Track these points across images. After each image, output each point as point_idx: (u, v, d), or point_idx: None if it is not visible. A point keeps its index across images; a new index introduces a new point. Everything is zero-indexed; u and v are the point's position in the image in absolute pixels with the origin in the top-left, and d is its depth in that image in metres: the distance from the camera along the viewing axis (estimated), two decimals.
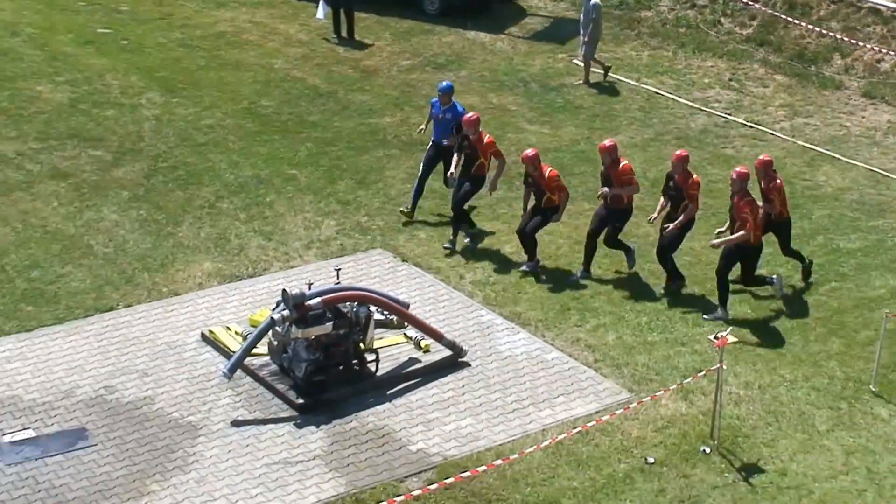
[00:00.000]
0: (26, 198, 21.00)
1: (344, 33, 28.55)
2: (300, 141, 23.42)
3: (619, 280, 19.24)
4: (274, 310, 16.46)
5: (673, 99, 26.18)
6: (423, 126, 21.57)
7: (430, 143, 20.99)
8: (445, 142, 20.59)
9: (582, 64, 26.94)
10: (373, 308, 16.88)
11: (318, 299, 16.28)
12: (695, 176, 18.92)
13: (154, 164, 22.37)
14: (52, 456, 15.09)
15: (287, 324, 16.19)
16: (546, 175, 19.18)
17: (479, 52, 28.30)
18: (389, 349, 17.33)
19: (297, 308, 16.10)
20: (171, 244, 19.80)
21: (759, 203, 18.58)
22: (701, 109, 25.72)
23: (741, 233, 17.98)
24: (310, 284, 17.10)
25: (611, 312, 18.42)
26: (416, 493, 14.43)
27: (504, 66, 27.64)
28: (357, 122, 24.49)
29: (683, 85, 26.94)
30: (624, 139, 24.12)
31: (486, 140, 19.81)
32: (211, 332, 17.47)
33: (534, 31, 29.73)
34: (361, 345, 16.77)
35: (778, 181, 18.99)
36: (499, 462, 14.89)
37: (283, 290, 16.23)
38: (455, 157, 19.99)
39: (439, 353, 17.24)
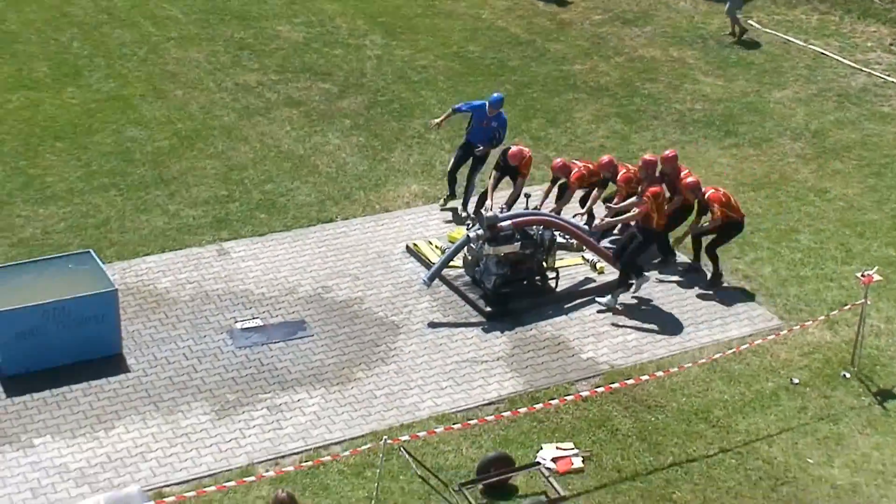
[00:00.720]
0: (264, 122, 21.42)
1: None
2: (500, 83, 23.34)
3: (776, 219, 18.83)
4: (470, 229, 16.59)
5: (837, 59, 25.34)
6: (439, 120, 19.33)
7: (464, 141, 18.84)
8: (480, 147, 18.52)
9: (731, 20, 26.18)
10: (556, 232, 16.89)
11: (509, 222, 16.33)
12: (685, 173, 17.33)
13: (373, 98, 22.57)
14: (275, 343, 15.49)
15: (481, 242, 16.28)
16: (572, 178, 17.87)
17: (663, 10, 27.76)
18: (568, 269, 17.31)
19: (491, 228, 16.17)
20: (384, 167, 20.01)
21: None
22: (861, 70, 24.85)
23: (633, 212, 16.31)
24: (502, 208, 17.14)
25: (768, 248, 18.06)
26: (584, 394, 14.47)
27: (685, 23, 27.08)
28: (551, 68, 24.31)
29: (847, 47, 26.04)
30: (790, 93, 23.51)
31: (525, 158, 18.12)
32: (415, 244, 17.65)
33: None
34: (544, 263, 16.78)
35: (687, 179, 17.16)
36: (659, 374, 14.81)
37: (479, 212, 16.30)
38: (492, 181, 18.23)
39: (612, 275, 17.14)
